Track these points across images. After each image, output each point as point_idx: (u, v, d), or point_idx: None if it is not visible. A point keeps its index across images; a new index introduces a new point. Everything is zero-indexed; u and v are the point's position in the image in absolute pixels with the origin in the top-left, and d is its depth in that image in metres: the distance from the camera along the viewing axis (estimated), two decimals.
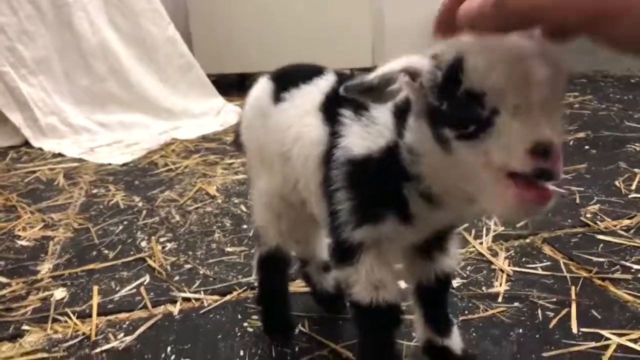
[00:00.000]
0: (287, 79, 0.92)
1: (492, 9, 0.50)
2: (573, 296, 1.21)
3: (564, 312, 1.16)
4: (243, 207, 1.86)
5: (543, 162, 0.53)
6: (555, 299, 1.21)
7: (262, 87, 0.97)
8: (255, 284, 1.34)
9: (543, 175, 0.54)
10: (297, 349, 1.09)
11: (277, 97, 0.92)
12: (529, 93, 0.54)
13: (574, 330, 1.10)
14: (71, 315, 1.25)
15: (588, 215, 1.63)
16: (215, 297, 1.30)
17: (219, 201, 1.94)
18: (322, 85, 0.86)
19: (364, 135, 0.74)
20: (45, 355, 1.12)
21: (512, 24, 0.51)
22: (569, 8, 0.46)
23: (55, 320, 1.25)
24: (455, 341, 0.93)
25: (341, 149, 0.75)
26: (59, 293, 1.36)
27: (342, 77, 0.87)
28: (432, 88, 0.60)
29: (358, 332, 0.85)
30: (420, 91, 0.62)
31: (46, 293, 1.37)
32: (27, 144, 2.96)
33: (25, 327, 1.23)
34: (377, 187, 0.74)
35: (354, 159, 0.74)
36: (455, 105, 0.57)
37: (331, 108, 0.80)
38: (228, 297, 1.30)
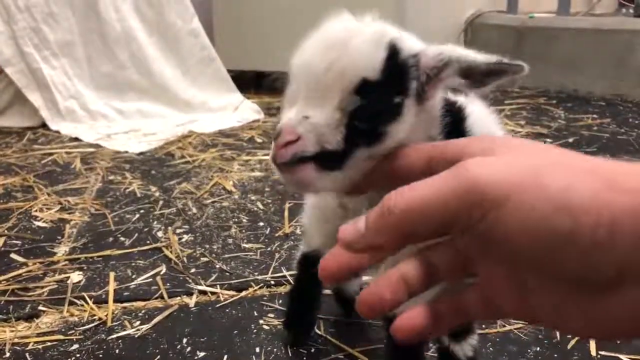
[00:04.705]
0: None
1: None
2: None
3: None
4: (260, 205, 1.86)
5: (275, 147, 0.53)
6: None
7: None
8: (272, 283, 1.35)
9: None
10: (312, 350, 1.09)
11: None
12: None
13: (593, 352, 1.09)
14: (88, 299, 1.26)
15: None
16: (232, 293, 1.30)
17: (236, 197, 1.94)
18: None
19: None
20: (61, 337, 1.13)
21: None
22: None
23: (71, 303, 1.25)
24: (464, 348, 0.92)
25: None
26: (76, 276, 1.37)
27: None
28: None
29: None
30: None
31: (63, 275, 1.37)
32: (44, 126, 2.97)
33: (41, 308, 1.23)
34: None
35: None
36: None
37: None
38: (244, 293, 1.30)
